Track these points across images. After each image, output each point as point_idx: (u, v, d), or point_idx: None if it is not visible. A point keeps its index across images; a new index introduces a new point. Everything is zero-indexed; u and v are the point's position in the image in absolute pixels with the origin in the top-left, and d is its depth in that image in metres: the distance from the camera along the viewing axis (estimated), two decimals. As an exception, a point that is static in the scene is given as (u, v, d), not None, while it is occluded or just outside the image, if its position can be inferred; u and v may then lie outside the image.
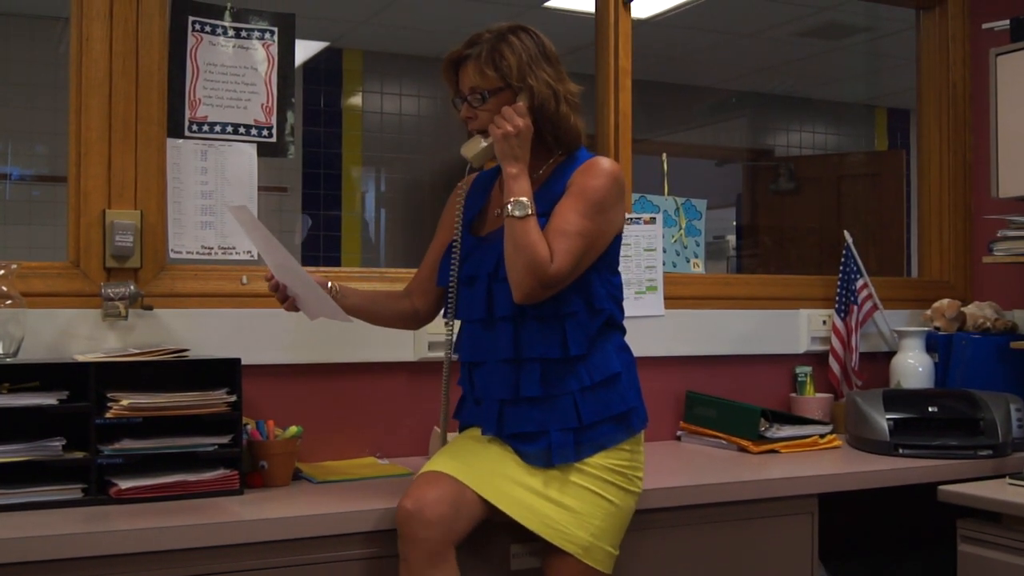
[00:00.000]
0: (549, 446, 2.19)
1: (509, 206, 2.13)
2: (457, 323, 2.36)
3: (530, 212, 2.13)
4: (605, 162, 2.25)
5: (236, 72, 2.75)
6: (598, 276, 2.24)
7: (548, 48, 2.26)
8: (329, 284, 2.34)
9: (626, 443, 2.25)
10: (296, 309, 2.34)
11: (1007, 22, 3.39)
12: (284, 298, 2.32)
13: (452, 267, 2.33)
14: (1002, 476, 2.69)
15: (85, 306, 2.55)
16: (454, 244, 2.34)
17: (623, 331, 2.33)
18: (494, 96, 2.21)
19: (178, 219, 2.68)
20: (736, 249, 7.50)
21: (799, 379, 3.42)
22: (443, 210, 2.50)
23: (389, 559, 2.16)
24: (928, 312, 3.56)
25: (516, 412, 2.22)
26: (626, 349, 2.33)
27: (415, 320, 2.51)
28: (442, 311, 2.41)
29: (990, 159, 3.33)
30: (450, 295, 2.34)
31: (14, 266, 2.40)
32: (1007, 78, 3.27)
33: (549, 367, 2.21)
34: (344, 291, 2.37)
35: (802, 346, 3.48)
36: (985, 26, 3.55)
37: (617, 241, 2.28)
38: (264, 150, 2.78)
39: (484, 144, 2.23)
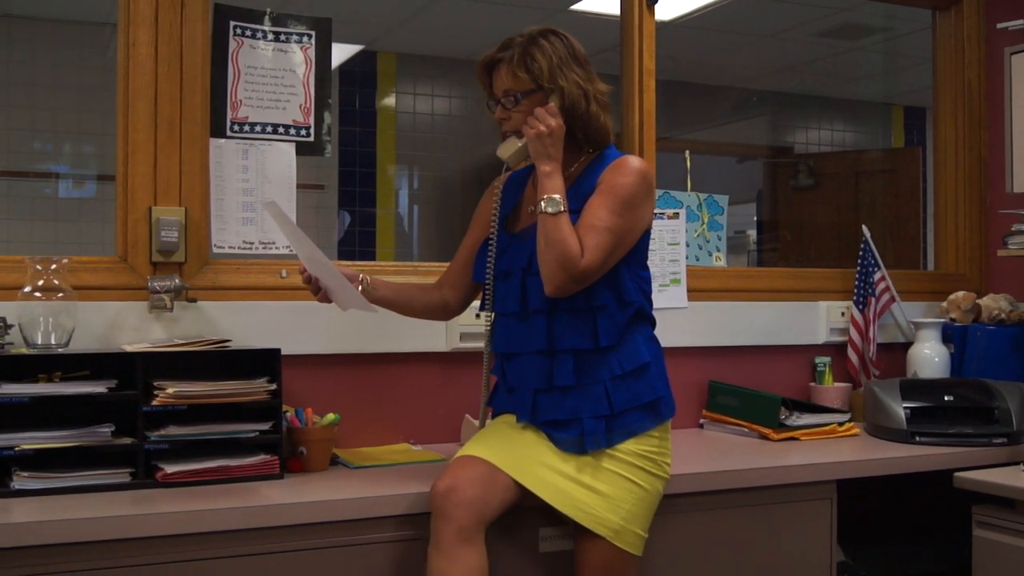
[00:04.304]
0: (582, 433, 2.18)
1: (542, 203, 2.13)
2: (492, 315, 2.36)
3: (562, 209, 2.13)
4: (634, 160, 2.24)
5: (275, 74, 2.76)
6: (627, 270, 2.24)
7: (577, 50, 2.25)
8: (360, 276, 2.35)
9: (655, 430, 2.25)
10: (328, 300, 2.35)
11: (1022, 22, 3.35)
12: (317, 290, 2.33)
13: (488, 263, 2.33)
14: (1016, 463, 2.67)
15: (132, 299, 2.57)
16: (490, 240, 2.34)
17: (652, 323, 2.33)
18: (526, 97, 2.21)
19: (221, 215, 2.69)
20: (757, 243, 7.45)
21: (818, 369, 3.40)
22: (477, 207, 2.50)
23: (423, 541, 2.16)
24: (944, 304, 3.53)
25: (549, 400, 2.22)
26: (655, 340, 2.32)
27: (445, 312, 2.52)
28: (479, 304, 2.41)
29: (1005, 155, 3.30)
30: (487, 289, 2.34)
31: (65, 261, 2.42)
32: (1022, 76, 3.24)
33: (581, 357, 2.21)
34: (375, 283, 2.38)
35: (821, 337, 3.46)
36: (1000, 25, 3.51)
37: (646, 236, 2.27)
38: (302, 149, 2.79)
39: (519, 145, 2.24)
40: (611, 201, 2.17)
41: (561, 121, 2.18)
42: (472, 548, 2.06)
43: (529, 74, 2.20)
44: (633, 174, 2.20)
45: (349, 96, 6.55)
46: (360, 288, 2.34)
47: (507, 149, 2.27)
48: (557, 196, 2.14)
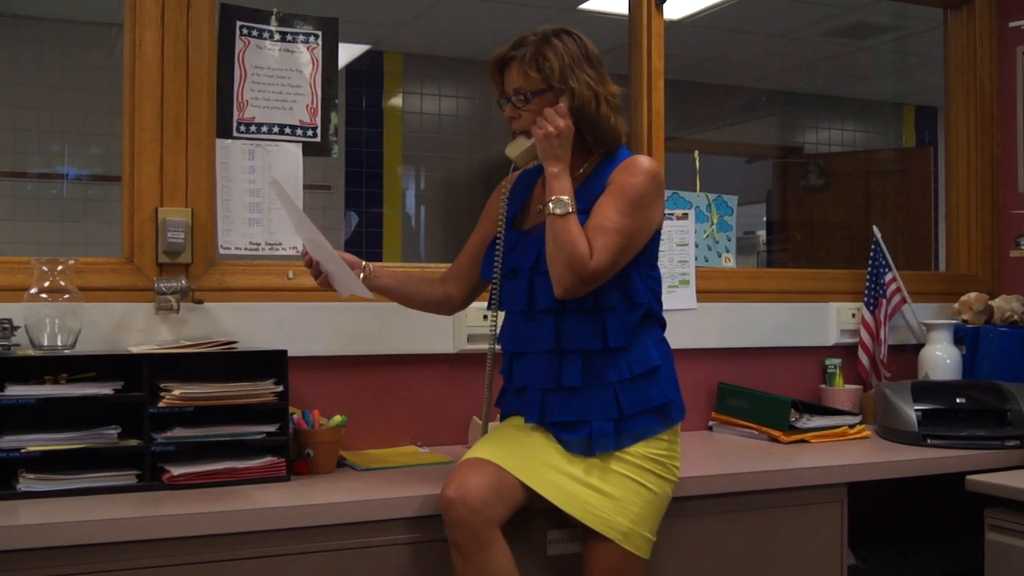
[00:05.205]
0: (590, 435, 2.18)
1: (550, 204, 2.13)
2: (500, 314, 2.36)
3: (570, 210, 2.12)
4: (644, 160, 2.24)
5: (282, 75, 2.76)
6: (637, 271, 2.23)
7: (590, 51, 2.25)
8: (364, 264, 2.36)
9: (665, 433, 2.24)
10: (328, 285, 2.35)
11: (1034, 20, 3.35)
12: (317, 273, 2.34)
13: (496, 260, 2.33)
14: (1029, 466, 2.67)
15: (139, 300, 2.58)
16: (497, 238, 2.34)
17: (662, 324, 2.32)
18: (537, 97, 2.21)
19: (227, 216, 2.70)
20: (766, 244, 7.45)
21: (829, 371, 3.40)
22: (486, 203, 2.51)
23: (430, 544, 2.17)
24: (956, 305, 3.52)
25: (558, 401, 2.22)
26: (665, 342, 2.32)
27: (447, 306, 2.52)
28: (486, 306, 2.42)
29: (1017, 155, 3.29)
30: (494, 287, 2.34)
31: (71, 262, 2.42)
32: (1034, 75, 3.23)
33: (590, 358, 2.21)
34: (377, 272, 2.39)
35: (832, 339, 3.45)
36: (1012, 24, 3.51)
37: (656, 237, 2.27)
38: (309, 149, 2.79)
39: (527, 145, 2.24)
40: (620, 201, 2.16)
41: (570, 122, 2.18)
42: (493, 549, 2.07)
43: (540, 73, 2.19)
44: (643, 174, 2.20)
45: (356, 96, 6.56)
46: (362, 276, 2.34)
47: (515, 148, 2.27)
48: (565, 197, 2.13)
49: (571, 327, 2.21)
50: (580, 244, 2.10)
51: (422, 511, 2.18)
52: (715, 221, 3.37)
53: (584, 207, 2.18)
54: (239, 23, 2.71)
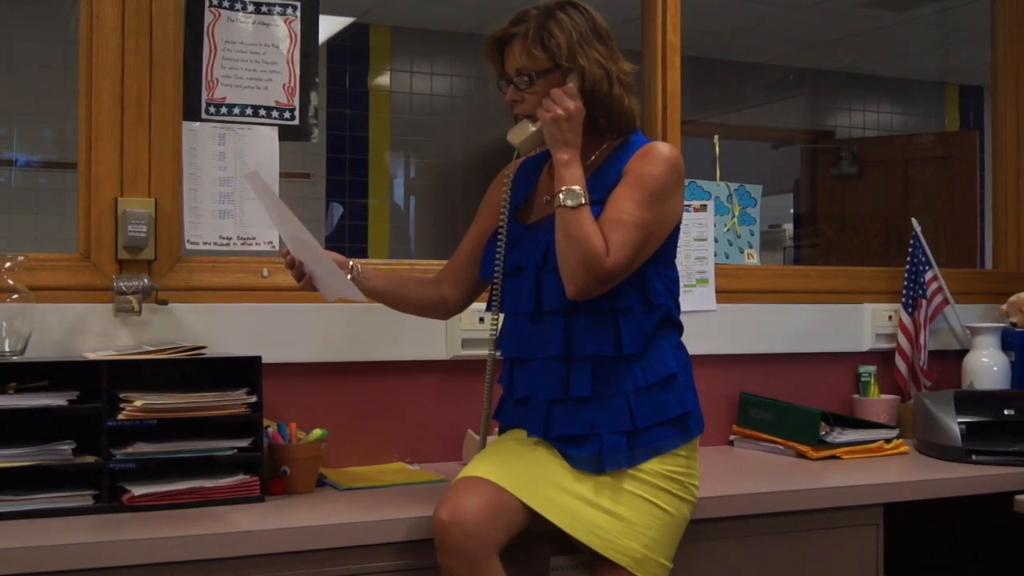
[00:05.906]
0: (600, 450, 2.18)
1: (561, 195, 2.13)
2: (500, 317, 2.36)
3: (583, 201, 2.12)
4: (664, 148, 2.24)
5: (256, 50, 2.76)
6: (655, 270, 2.23)
7: (600, 25, 2.24)
8: (351, 264, 2.35)
9: (682, 448, 2.24)
10: (313, 287, 2.35)
11: (1091, -8, 3.34)
12: (300, 275, 2.33)
13: (497, 257, 2.32)
14: (1085, 485, 2.66)
15: (96, 300, 2.57)
16: (499, 233, 2.33)
17: (680, 329, 2.32)
18: (542, 78, 2.20)
19: (194, 208, 2.69)
20: (794, 239, 7.46)
21: (863, 379, 3.39)
22: (485, 195, 2.50)
23: (419, 571, 2.17)
24: (1004, 307, 3.52)
25: (565, 412, 2.21)
26: (682, 348, 2.32)
27: (443, 309, 2.51)
28: (483, 307, 2.41)
29: (1072, 140, 3.29)
30: (495, 287, 2.33)
31: (21, 258, 2.42)
32: (1091, 51, 3.23)
33: (602, 365, 2.20)
34: (367, 272, 2.38)
35: (866, 343, 3.45)
36: (1067, -4, 3.51)
37: (675, 232, 2.27)
38: (286, 133, 2.79)
39: (532, 129, 2.23)
40: (639, 193, 2.16)
41: (580, 104, 2.17)
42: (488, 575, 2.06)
43: (546, 52, 2.19)
44: (663, 163, 2.20)
45: (338, 74, 6.56)
46: (350, 276, 2.33)
47: (519, 134, 2.26)
48: (577, 187, 2.13)
49: (582, 331, 2.20)
50: (595, 239, 2.10)
51: (411, 535, 2.17)
52: (737, 213, 3.37)
53: (597, 198, 2.18)
54: (208, -7, 2.71)
